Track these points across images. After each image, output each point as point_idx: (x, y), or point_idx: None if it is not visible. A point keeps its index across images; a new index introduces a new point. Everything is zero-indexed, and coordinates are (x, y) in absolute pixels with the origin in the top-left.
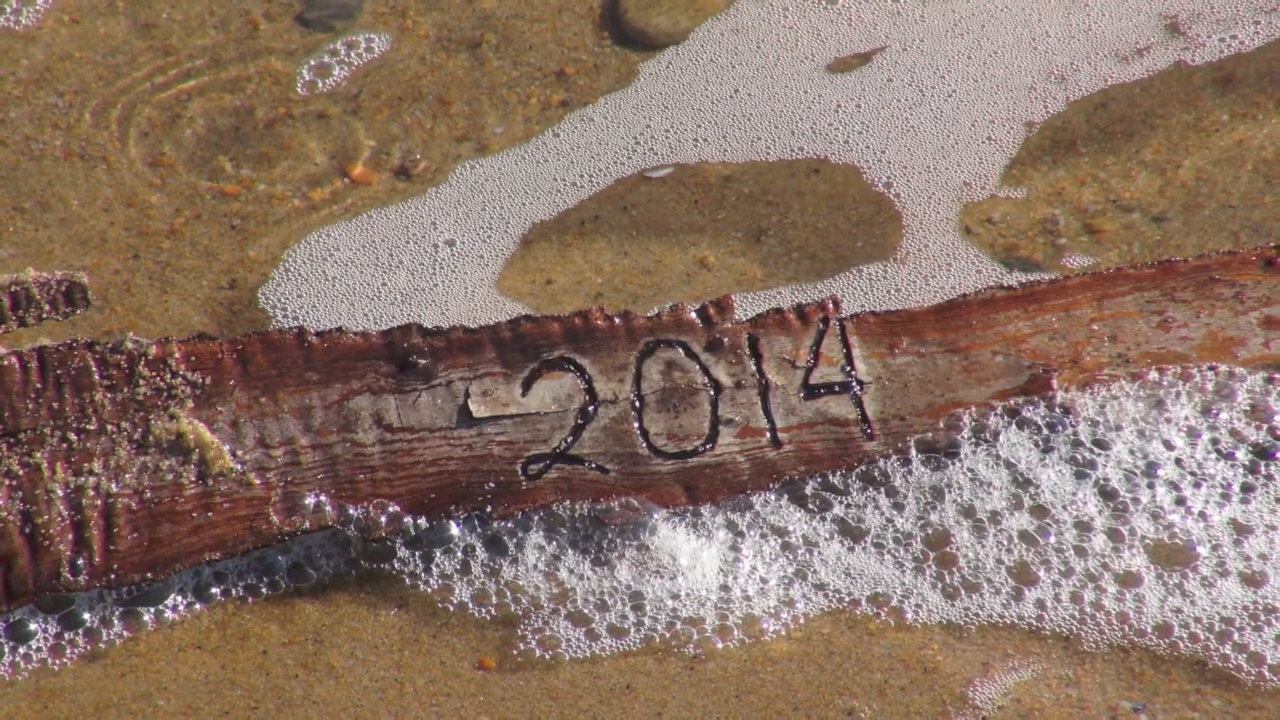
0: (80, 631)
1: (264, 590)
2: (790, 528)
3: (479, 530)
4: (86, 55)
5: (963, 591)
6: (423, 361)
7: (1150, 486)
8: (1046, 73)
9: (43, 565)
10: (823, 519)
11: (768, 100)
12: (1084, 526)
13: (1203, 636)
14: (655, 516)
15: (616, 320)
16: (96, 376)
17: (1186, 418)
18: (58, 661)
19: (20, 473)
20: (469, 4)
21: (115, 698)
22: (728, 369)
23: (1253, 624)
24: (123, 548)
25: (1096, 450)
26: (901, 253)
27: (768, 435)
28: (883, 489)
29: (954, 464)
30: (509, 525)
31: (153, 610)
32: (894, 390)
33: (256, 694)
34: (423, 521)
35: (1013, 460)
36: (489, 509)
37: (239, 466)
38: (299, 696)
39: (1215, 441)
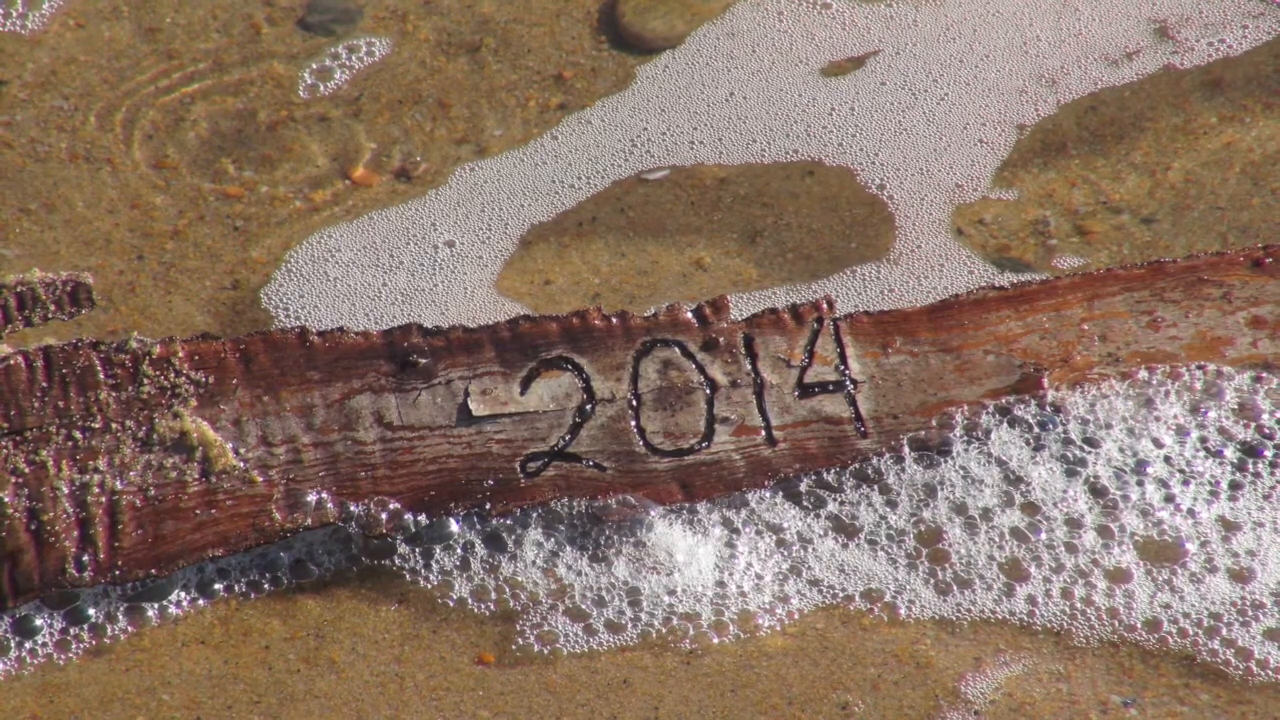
0: (85, 627)
1: (266, 586)
2: (785, 525)
3: (478, 527)
4: (91, 59)
5: (955, 587)
6: (423, 361)
7: (1140, 484)
8: (1037, 76)
9: (48, 561)
10: (817, 516)
11: (763, 103)
12: (1074, 523)
13: (1191, 632)
14: (652, 513)
15: (614, 320)
16: (101, 375)
17: (1175, 416)
18: (63, 656)
19: (26, 470)
20: (468, 8)
21: (120, 692)
22: (723, 368)
23: (1241, 619)
24: (127, 544)
25: (1087, 448)
26: (894, 253)
27: (763, 433)
28: (876, 486)
29: (946, 462)
30: (508, 522)
31: (157, 606)
32: (887, 389)
33: (259, 688)
34: (423, 518)
35: (1004, 458)
36: (488, 506)
37: (242, 464)
38: (300, 691)
39: (1204, 439)
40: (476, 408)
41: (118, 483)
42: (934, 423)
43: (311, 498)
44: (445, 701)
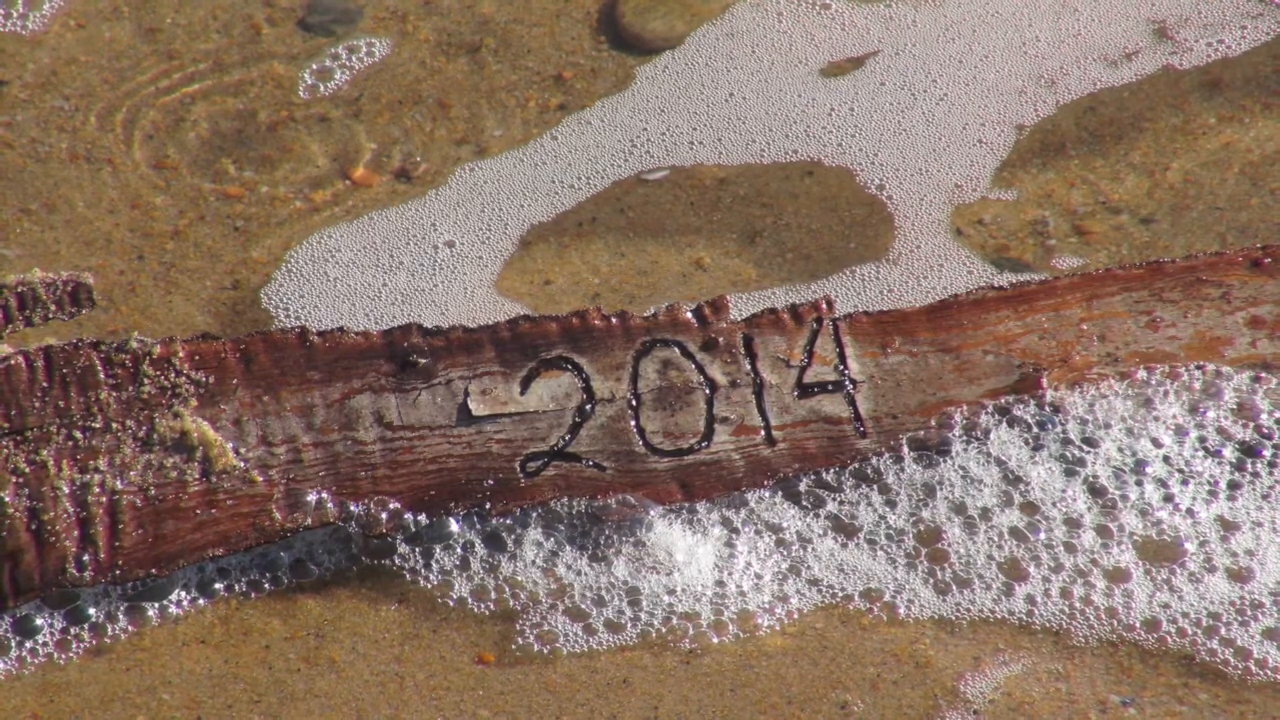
0: (86, 626)
1: (266, 586)
2: (784, 524)
3: (478, 527)
4: (92, 59)
5: (954, 587)
6: (423, 361)
7: (1139, 484)
8: (1036, 76)
9: (49, 561)
10: (816, 516)
11: (762, 104)
12: (1073, 523)
13: (1190, 631)
14: (652, 513)
15: (613, 320)
16: (102, 375)
17: (1174, 416)
18: (64, 656)
19: (27, 470)
20: (468, 9)
21: (120, 691)
22: (723, 368)
23: (1239, 619)
24: (128, 544)
25: (1085, 448)
26: (894, 254)
27: (762, 433)
28: (875, 486)
29: (945, 461)
30: (508, 522)
31: (157, 605)
32: (886, 389)
33: (259, 688)
34: (423, 518)
35: (1003, 458)
36: (488, 506)
37: (242, 464)
38: (301, 690)
39: (1202, 439)
40: (476, 408)
41: (118, 482)
42: (933, 423)
43: (311, 497)
44: (445, 701)
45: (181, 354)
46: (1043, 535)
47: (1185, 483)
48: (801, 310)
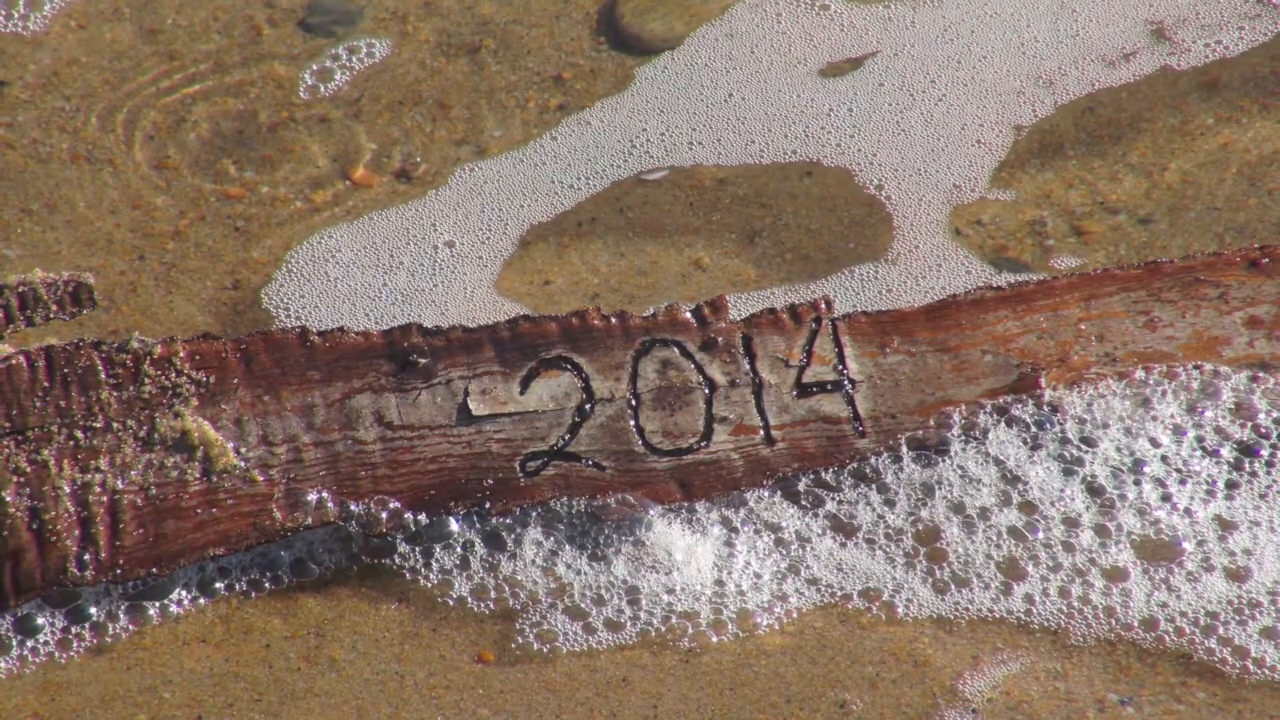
0: (87, 625)
1: (267, 585)
2: (783, 524)
3: (478, 526)
4: (93, 60)
5: (952, 586)
6: (423, 360)
7: (1137, 483)
8: (1035, 77)
9: (50, 560)
10: (815, 515)
11: (761, 104)
12: (1071, 522)
13: (1188, 630)
14: (651, 513)
15: (613, 320)
16: (103, 375)
17: (1172, 416)
18: (65, 655)
19: (28, 470)
20: (468, 10)
21: (121, 690)
22: (722, 368)
23: (1237, 618)
24: (128, 543)
25: (1084, 448)
26: (892, 254)
27: (761, 433)
28: (874, 486)
29: (944, 461)
30: (507, 521)
31: (158, 605)
32: (885, 389)
33: (259, 686)
34: (423, 517)
35: (1002, 457)
36: (488, 505)
37: (242, 464)
38: (301, 689)
39: (1200, 439)
40: (476, 407)
41: (119, 482)
42: (932, 422)
43: (312, 497)
44: (445, 700)
45: (182, 354)
46: (1041, 535)
47: (1183, 482)
48: (800, 310)
